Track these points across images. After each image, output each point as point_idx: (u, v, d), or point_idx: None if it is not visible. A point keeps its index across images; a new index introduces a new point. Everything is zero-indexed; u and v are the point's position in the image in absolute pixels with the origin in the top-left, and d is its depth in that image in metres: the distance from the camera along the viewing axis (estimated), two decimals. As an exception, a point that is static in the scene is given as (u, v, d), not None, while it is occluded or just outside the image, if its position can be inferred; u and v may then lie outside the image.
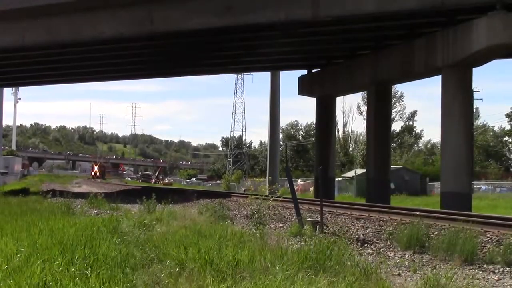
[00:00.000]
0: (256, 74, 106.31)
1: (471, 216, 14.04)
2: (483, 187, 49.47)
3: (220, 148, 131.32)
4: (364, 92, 51.76)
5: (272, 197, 15.31)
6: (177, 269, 7.18)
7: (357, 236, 12.42)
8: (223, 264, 7.32)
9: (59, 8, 25.83)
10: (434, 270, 8.59)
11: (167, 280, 6.72)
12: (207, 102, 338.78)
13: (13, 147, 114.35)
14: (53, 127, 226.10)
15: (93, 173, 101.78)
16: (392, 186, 34.95)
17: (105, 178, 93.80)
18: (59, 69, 36.49)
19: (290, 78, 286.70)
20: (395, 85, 57.73)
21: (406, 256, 10.30)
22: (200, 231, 10.82)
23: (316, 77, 33.66)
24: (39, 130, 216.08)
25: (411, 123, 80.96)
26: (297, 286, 6.36)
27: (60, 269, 6.73)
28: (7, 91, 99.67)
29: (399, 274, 8.75)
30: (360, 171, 45.36)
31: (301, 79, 34.92)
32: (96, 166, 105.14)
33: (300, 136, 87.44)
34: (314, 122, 45.78)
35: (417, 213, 13.82)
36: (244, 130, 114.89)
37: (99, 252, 7.83)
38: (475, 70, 23.37)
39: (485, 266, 9.26)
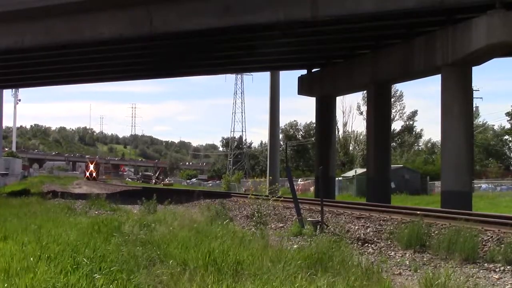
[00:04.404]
0: (255, 74, 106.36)
1: (472, 215, 14.05)
2: (483, 186, 49.43)
3: (220, 149, 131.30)
4: (364, 91, 51.75)
5: (273, 197, 15.35)
6: (178, 269, 7.19)
7: (357, 236, 12.44)
8: (225, 264, 7.33)
9: (59, 9, 25.85)
10: (434, 269, 8.60)
11: (169, 279, 6.73)
12: (207, 103, 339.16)
13: (13, 149, 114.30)
14: (53, 128, 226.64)
15: (88, 174, 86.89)
16: (393, 185, 34.94)
17: (104, 180, 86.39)
18: (59, 70, 36.49)
19: (290, 78, 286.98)
20: (395, 85, 57.66)
21: (407, 255, 10.31)
22: (201, 231, 10.83)
23: (316, 77, 33.65)
24: (39, 132, 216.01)
25: (411, 122, 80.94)
26: (298, 286, 6.37)
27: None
28: (7, 93, 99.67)
29: (400, 274, 8.75)
30: (360, 170, 45.32)
31: (301, 79, 34.92)
32: (91, 164, 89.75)
33: (300, 136, 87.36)
34: (314, 121, 45.83)
35: (418, 212, 13.82)
36: (244, 130, 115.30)
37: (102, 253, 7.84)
38: (474, 69, 23.41)
39: (485, 264, 9.27)
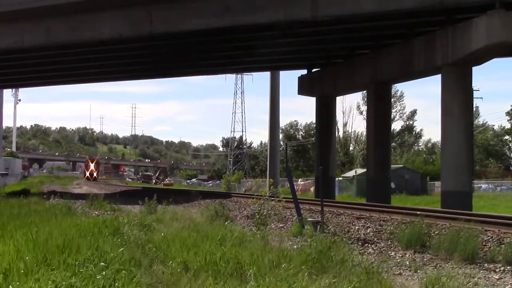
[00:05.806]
0: (255, 74, 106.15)
1: (472, 215, 14.04)
2: (483, 186, 49.41)
3: (221, 149, 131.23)
4: (364, 91, 51.72)
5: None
6: (179, 270, 7.19)
7: (358, 236, 12.43)
8: (226, 265, 7.32)
9: (59, 9, 25.85)
10: (435, 270, 8.59)
11: (170, 279, 6.73)
12: (207, 103, 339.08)
13: (13, 149, 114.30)
14: (53, 128, 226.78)
15: (88, 174, 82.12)
16: (393, 185, 34.93)
17: (105, 180, 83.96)
18: (59, 70, 36.50)
19: (290, 78, 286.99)
20: (395, 85, 57.60)
21: (407, 255, 10.31)
22: (202, 232, 10.82)
23: (316, 77, 33.64)
24: (39, 132, 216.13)
25: (411, 122, 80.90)
26: (299, 287, 6.36)
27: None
28: (7, 93, 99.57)
29: (400, 274, 8.75)
30: (360, 170, 45.32)
31: (301, 79, 34.90)
32: (92, 163, 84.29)
33: (300, 136, 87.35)
34: (314, 121, 45.81)
35: (418, 212, 13.83)
36: (244, 130, 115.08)
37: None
38: (474, 69, 23.40)
39: (486, 265, 9.27)
